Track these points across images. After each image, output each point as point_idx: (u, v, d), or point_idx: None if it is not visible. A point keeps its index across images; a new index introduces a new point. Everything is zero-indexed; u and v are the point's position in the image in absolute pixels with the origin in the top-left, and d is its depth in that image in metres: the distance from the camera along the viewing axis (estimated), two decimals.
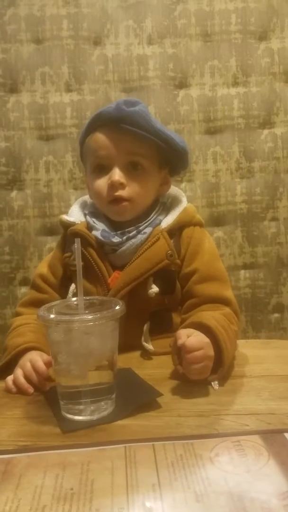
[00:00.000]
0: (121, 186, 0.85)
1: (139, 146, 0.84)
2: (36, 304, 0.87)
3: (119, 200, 0.85)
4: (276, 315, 1.40)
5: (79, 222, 0.90)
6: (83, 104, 1.35)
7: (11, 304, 1.35)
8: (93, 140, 0.87)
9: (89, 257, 0.85)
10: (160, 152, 0.86)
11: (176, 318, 0.88)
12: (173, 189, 0.95)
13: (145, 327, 0.85)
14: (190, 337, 0.70)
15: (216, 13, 1.35)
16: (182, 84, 1.36)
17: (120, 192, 0.85)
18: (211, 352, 0.70)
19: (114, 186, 0.84)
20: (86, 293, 0.67)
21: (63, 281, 0.91)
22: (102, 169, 0.86)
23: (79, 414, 0.63)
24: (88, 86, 1.35)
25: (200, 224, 0.92)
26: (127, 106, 0.84)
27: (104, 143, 0.85)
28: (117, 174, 0.84)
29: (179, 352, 0.74)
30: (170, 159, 0.89)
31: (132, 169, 0.85)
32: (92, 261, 0.86)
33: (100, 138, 0.86)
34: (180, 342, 0.70)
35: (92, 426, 0.61)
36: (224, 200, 1.37)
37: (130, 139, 0.83)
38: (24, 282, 1.35)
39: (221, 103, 1.36)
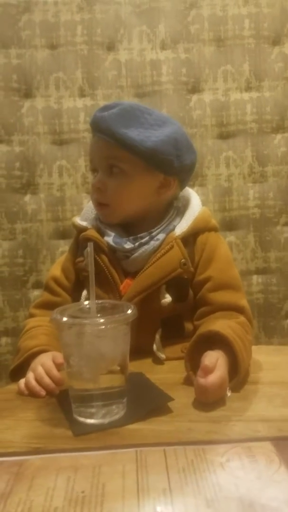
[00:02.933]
0: (98, 190, 0.86)
1: (112, 149, 0.83)
2: (49, 306, 0.87)
3: (99, 204, 0.87)
4: None
5: (91, 227, 0.90)
6: (96, 109, 1.35)
7: (23, 307, 1.36)
8: None
9: (101, 263, 0.85)
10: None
11: (187, 324, 0.88)
12: (185, 191, 0.94)
13: (157, 336, 0.85)
14: (210, 377, 0.67)
15: (229, 18, 1.35)
16: (195, 89, 1.37)
17: (97, 197, 0.87)
18: (226, 384, 0.69)
19: (92, 189, 0.87)
20: (98, 300, 0.67)
21: (76, 284, 0.91)
22: (94, 173, 0.88)
23: (90, 417, 0.63)
24: (101, 91, 1.36)
25: (214, 229, 0.90)
26: (101, 111, 0.85)
27: (90, 148, 0.90)
28: (96, 178, 0.86)
29: (191, 359, 0.74)
30: (148, 161, 0.83)
31: (111, 173, 0.85)
32: (104, 268, 0.85)
33: (90, 143, 0.90)
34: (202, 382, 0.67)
35: (103, 430, 0.61)
36: (236, 204, 1.37)
37: (103, 143, 0.84)
38: (37, 285, 1.36)
39: (234, 108, 1.36)
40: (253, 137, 1.36)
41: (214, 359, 0.69)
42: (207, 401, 0.67)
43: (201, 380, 0.67)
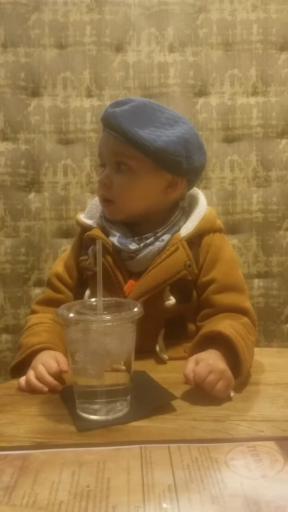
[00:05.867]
0: (105, 186, 0.85)
1: (121, 146, 0.82)
2: (51, 303, 0.87)
3: (105, 200, 0.87)
4: None
5: (96, 226, 0.89)
6: (103, 109, 1.35)
7: (25, 304, 1.36)
8: None
9: (106, 264, 0.84)
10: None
11: (190, 325, 0.87)
12: (192, 190, 0.93)
13: (160, 336, 0.85)
14: (195, 369, 0.69)
15: (237, 23, 1.36)
16: (202, 92, 1.37)
17: (103, 193, 0.86)
18: (221, 366, 0.69)
19: (99, 185, 0.87)
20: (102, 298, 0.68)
21: (79, 283, 0.91)
22: (102, 167, 0.88)
23: (94, 413, 0.64)
24: (108, 92, 1.37)
25: (220, 230, 0.90)
26: (113, 106, 0.84)
27: (100, 143, 0.89)
28: (103, 174, 0.86)
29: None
30: (156, 160, 0.83)
31: (118, 169, 0.85)
32: (109, 268, 0.84)
33: (100, 137, 0.89)
34: (188, 381, 0.69)
35: (107, 426, 0.61)
36: (240, 208, 1.38)
37: (112, 139, 0.83)
38: (39, 283, 1.36)
39: (240, 112, 1.37)
40: (258, 141, 1.37)
41: (192, 363, 0.70)
42: (216, 393, 0.68)
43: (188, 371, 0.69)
